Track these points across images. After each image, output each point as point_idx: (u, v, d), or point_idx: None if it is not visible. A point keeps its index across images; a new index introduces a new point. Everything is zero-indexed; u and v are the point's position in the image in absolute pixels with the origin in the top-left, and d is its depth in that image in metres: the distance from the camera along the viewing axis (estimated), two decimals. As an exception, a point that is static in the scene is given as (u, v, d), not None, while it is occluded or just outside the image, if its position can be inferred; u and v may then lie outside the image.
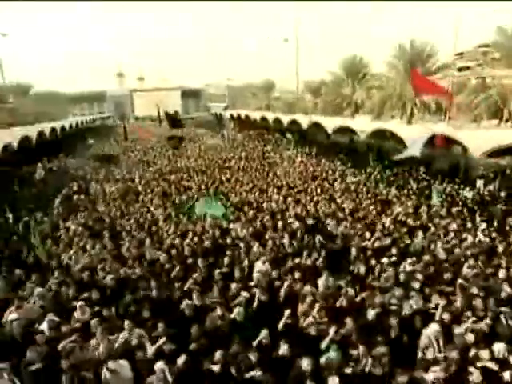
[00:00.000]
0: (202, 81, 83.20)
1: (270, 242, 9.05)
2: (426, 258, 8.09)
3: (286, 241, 9.13)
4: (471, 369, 4.76)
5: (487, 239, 9.50)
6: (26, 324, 5.99)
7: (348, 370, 4.89)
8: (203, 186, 16.34)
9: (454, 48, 25.86)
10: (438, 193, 13.48)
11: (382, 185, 16.05)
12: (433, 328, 5.44)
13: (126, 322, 5.51)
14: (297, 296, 6.48)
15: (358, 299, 6.50)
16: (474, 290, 6.55)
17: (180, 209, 13.11)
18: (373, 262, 7.95)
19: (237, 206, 12.98)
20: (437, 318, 5.85)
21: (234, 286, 6.81)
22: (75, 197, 15.85)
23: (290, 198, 13.60)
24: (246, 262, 7.95)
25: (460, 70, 33.49)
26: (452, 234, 9.79)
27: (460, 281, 6.81)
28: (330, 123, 27.51)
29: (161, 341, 5.16)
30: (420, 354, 5.36)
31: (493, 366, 4.85)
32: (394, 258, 8.05)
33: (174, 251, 8.81)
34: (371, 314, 5.90)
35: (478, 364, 4.88)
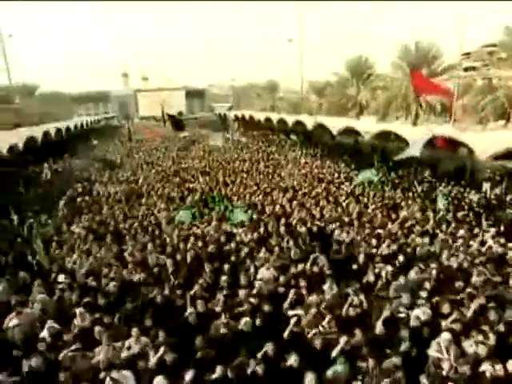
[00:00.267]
0: (205, 81, 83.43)
1: (276, 247, 8.89)
2: (434, 265, 7.89)
3: (290, 246, 8.99)
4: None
5: (497, 245, 9.22)
6: (27, 330, 5.96)
7: (356, 384, 4.78)
8: (207, 189, 16.31)
9: (460, 48, 25.67)
10: (443, 195, 13.35)
11: (387, 187, 15.94)
12: (444, 337, 5.26)
13: (134, 330, 5.45)
14: (302, 304, 6.36)
15: (366, 308, 6.36)
16: (482, 300, 6.36)
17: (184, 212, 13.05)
18: (380, 269, 7.75)
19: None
20: (447, 327, 5.66)
21: (241, 292, 6.68)
22: (79, 199, 15.82)
23: (295, 202, 13.41)
24: (252, 269, 7.83)
25: (466, 70, 33.23)
26: (461, 241, 9.53)
27: (469, 289, 6.65)
28: (335, 124, 27.39)
29: (161, 350, 5.05)
30: (432, 368, 5.16)
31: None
32: (401, 266, 7.87)
33: (178, 256, 8.72)
34: (381, 325, 5.77)
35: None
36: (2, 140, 23.55)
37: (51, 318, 6.22)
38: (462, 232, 10.14)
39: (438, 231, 10.43)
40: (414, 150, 16.19)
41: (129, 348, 5.31)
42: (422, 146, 16.22)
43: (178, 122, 38.81)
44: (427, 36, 30.55)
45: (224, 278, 7.34)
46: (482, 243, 9.43)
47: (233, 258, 8.45)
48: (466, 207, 13.22)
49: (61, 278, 8.07)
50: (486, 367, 4.83)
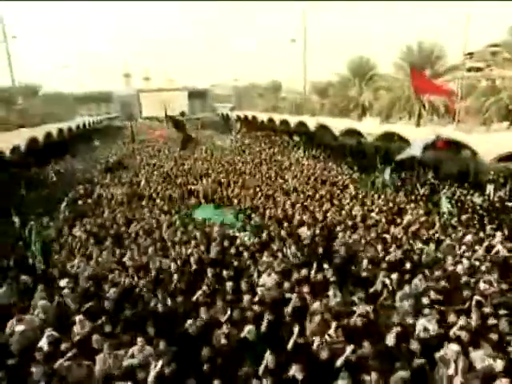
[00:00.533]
0: (208, 81, 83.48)
1: (278, 252, 8.76)
2: (439, 272, 7.68)
3: (293, 251, 8.86)
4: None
5: (505, 251, 8.96)
6: (28, 338, 5.89)
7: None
8: (209, 191, 16.24)
9: (464, 48, 25.53)
10: (446, 198, 13.23)
11: (390, 190, 15.82)
12: (452, 349, 5.02)
13: (139, 338, 5.35)
14: (306, 312, 6.20)
15: (373, 318, 6.15)
16: (488, 309, 6.17)
17: (186, 215, 13.01)
18: (386, 277, 7.49)
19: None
20: (453, 337, 5.44)
21: (245, 300, 6.55)
22: (80, 201, 15.79)
23: (298, 205, 13.27)
24: (255, 274, 7.71)
25: (469, 70, 33.02)
26: (466, 247, 9.29)
27: (476, 297, 6.43)
28: (338, 125, 27.29)
29: (159, 364, 4.88)
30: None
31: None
32: (407, 274, 7.62)
33: (179, 261, 8.65)
34: (391, 337, 5.53)
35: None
36: (5, 141, 23.61)
37: (51, 325, 6.15)
38: (468, 238, 9.90)
39: (443, 237, 10.20)
40: (415, 150, 16.08)
41: (132, 356, 5.22)
42: (423, 147, 16.11)
43: (177, 123, 38.63)
44: (430, 36, 30.29)
45: (228, 284, 7.20)
46: (488, 249, 9.17)
47: (235, 263, 8.33)
48: (470, 210, 13.11)
49: (63, 282, 8.00)
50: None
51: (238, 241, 9.93)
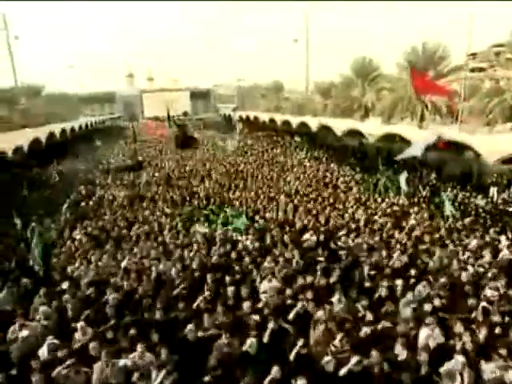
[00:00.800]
0: (211, 81, 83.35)
1: (280, 257, 8.58)
2: (444, 279, 7.36)
3: (295, 256, 8.70)
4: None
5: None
6: (29, 346, 5.83)
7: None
8: (211, 193, 16.20)
9: (468, 48, 25.34)
10: (449, 200, 13.08)
11: (393, 192, 15.71)
12: (458, 361, 4.82)
13: (139, 346, 5.26)
14: (309, 319, 6.02)
15: (379, 327, 5.93)
16: (497, 317, 5.94)
17: (187, 218, 12.93)
18: (390, 283, 7.29)
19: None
20: (459, 348, 5.21)
21: (245, 305, 6.40)
22: (82, 203, 15.76)
23: (300, 208, 13.09)
24: (258, 280, 7.60)
25: (473, 70, 32.81)
26: (472, 252, 9.09)
27: (483, 304, 6.23)
28: (340, 125, 27.20)
29: (161, 375, 4.80)
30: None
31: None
32: (412, 280, 7.42)
33: (178, 265, 8.51)
34: (398, 347, 5.35)
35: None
36: (7, 141, 23.69)
37: (52, 332, 6.08)
38: (473, 243, 9.64)
39: (447, 241, 9.99)
40: (416, 151, 15.97)
41: (133, 364, 5.13)
42: (423, 147, 15.99)
43: (178, 124, 38.55)
44: (430, 36, 29.99)
45: (229, 289, 7.07)
46: (494, 254, 8.92)
47: (237, 268, 8.21)
48: (473, 213, 12.98)
49: (63, 286, 7.94)
50: None
51: (241, 245, 9.80)
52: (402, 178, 14.51)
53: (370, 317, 6.11)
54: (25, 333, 6.10)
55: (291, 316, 6.21)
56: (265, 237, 10.27)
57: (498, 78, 27.18)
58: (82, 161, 28.75)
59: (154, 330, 5.90)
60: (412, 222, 11.58)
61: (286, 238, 10.16)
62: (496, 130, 22.23)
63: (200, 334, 5.85)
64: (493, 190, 15.72)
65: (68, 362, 5.03)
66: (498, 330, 5.71)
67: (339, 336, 5.39)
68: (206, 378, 5.00)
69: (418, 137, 19.36)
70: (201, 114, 72.60)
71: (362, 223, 11.53)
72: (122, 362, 5.11)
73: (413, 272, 7.82)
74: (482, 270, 8.00)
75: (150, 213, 13.62)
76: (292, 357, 5.26)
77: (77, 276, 8.56)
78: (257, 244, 9.73)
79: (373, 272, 7.99)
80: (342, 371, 4.96)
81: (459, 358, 4.90)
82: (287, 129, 36.08)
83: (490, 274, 7.70)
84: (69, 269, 9.00)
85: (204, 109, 78.32)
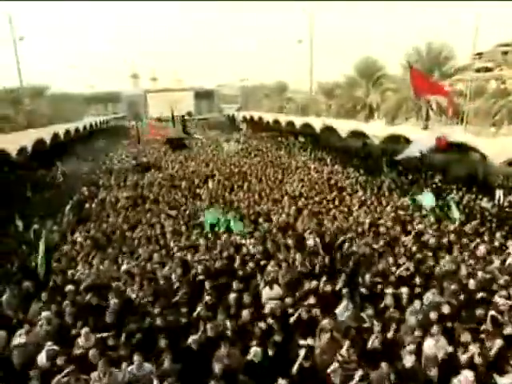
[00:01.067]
0: (215, 81, 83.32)
1: (283, 262, 8.36)
2: (452, 286, 7.10)
3: (299, 260, 8.53)
4: None
5: None
6: (31, 352, 5.77)
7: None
8: (214, 194, 16.11)
9: (473, 48, 25.12)
10: (454, 203, 12.86)
11: (397, 194, 15.56)
12: (466, 376, 4.58)
13: (136, 357, 5.15)
14: (314, 327, 5.85)
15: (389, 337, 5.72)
16: (509, 329, 5.68)
17: (190, 221, 12.83)
18: (396, 291, 7.11)
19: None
20: (467, 361, 5.00)
21: (245, 313, 6.25)
22: (85, 205, 15.70)
23: (305, 211, 12.86)
24: (262, 285, 7.44)
25: (478, 71, 32.51)
26: (480, 258, 8.81)
27: (492, 313, 5.98)
28: (344, 126, 27.00)
29: None
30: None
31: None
32: (418, 289, 7.21)
33: (179, 270, 8.40)
34: (409, 359, 5.17)
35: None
36: (12, 141, 23.69)
37: (53, 338, 5.98)
38: (481, 248, 9.29)
39: (454, 246, 9.69)
40: (416, 151, 15.81)
41: (132, 374, 5.02)
42: (424, 148, 15.83)
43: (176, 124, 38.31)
44: (436, 36, 29.69)
45: (231, 296, 6.94)
46: (504, 260, 8.68)
47: (240, 273, 8.08)
48: (479, 216, 12.76)
49: (65, 290, 7.84)
50: None
51: (245, 249, 9.65)
52: (428, 200, 12.72)
53: (377, 326, 5.88)
54: (26, 339, 6.02)
55: (292, 320, 6.07)
56: (268, 240, 10.12)
57: (504, 78, 26.92)
58: (86, 161, 28.75)
59: (161, 336, 5.77)
60: (419, 226, 11.31)
61: (289, 241, 9.98)
62: (502, 132, 21.99)
63: (203, 337, 5.75)
64: (499, 193, 15.49)
65: (67, 370, 4.95)
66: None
67: (346, 345, 5.23)
68: None
69: (422, 137, 19.18)
70: (205, 114, 72.55)
71: (366, 226, 11.34)
72: (120, 374, 5.02)
73: (419, 279, 7.58)
74: (488, 276, 7.71)
75: (152, 215, 13.47)
76: (294, 370, 5.08)
77: (79, 279, 8.48)
78: (260, 247, 9.58)
79: (378, 279, 7.79)
80: None
81: (468, 374, 4.66)
82: (291, 129, 35.93)
83: (501, 281, 7.37)
84: (69, 272, 8.92)
85: (208, 109, 78.22)
